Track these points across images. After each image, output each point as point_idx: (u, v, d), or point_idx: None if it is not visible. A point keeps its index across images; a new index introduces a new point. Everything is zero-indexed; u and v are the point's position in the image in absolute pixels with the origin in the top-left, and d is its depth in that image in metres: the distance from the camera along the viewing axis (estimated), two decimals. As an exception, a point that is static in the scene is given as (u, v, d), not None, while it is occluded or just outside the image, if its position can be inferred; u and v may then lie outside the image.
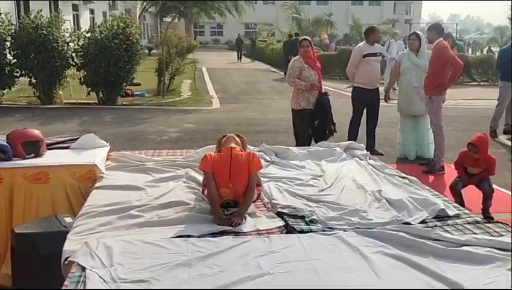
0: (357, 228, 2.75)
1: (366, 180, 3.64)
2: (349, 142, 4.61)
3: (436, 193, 3.46)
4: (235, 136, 3.38)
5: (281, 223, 2.80)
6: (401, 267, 2.28)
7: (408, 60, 6.53)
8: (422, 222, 2.89)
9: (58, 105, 11.44)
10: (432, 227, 2.79)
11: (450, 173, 5.44)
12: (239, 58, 29.35)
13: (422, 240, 2.51)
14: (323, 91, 6.06)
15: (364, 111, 6.99)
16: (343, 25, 39.90)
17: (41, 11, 11.47)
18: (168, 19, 15.55)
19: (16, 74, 11.24)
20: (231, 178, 2.95)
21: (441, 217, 2.96)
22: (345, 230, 2.71)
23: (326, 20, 31.84)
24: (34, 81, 11.25)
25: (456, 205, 3.30)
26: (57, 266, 2.39)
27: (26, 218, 3.29)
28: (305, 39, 6.16)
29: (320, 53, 18.91)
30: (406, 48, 9.51)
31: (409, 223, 2.83)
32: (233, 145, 3.18)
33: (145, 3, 14.17)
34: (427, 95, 6.11)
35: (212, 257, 2.30)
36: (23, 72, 11.16)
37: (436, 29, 6.20)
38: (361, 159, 4.20)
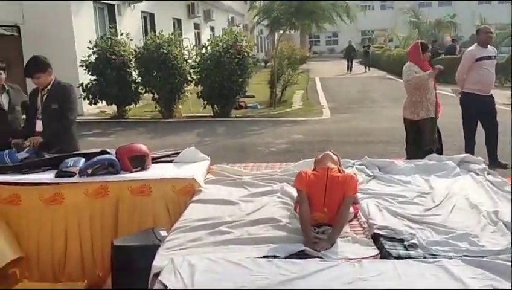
0: (464, 255, 2.41)
1: (481, 199, 3.22)
2: (464, 155, 4.15)
3: None
4: (331, 153, 3.19)
5: (375, 252, 2.54)
6: (515, 307, 1.94)
7: None
8: (548, 251, 2.45)
9: (178, 119, 12.14)
10: (560, 258, 2.35)
11: None
12: (349, 68, 26.54)
13: (545, 275, 2.12)
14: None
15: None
16: (470, 25, 37.05)
17: (162, 31, 12.30)
18: (281, 32, 15.79)
19: (140, 90, 12.20)
20: (326, 201, 2.79)
21: None
22: (450, 257, 2.38)
23: (448, 22, 29.89)
24: (156, 96, 12.10)
25: None
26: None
27: (129, 230, 3.44)
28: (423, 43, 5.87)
29: (442, 57, 17.76)
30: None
31: (529, 252, 2.42)
32: (330, 164, 2.99)
33: (257, 18, 14.51)
34: None
35: (295, 281, 2.16)
36: (147, 88, 12.07)
37: None
38: (477, 175, 3.74)
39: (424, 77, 5.50)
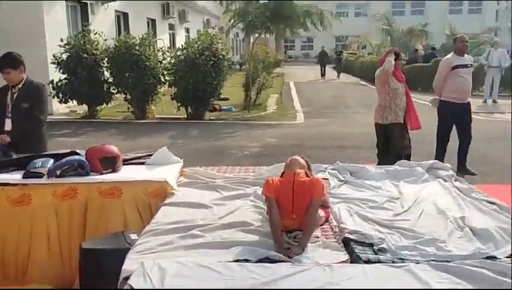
0: (432, 260, 2.46)
1: (449, 205, 3.29)
2: (433, 161, 4.24)
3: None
4: (299, 158, 3.20)
5: (345, 257, 2.56)
6: (480, 311, 1.99)
7: None
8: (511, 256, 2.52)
9: (151, 120, 12.01)
10: (523, 263, 2.42)
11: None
12: (323, 74, 25.94)
13: (510, 280, 2.17)
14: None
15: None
16: (441, 34, 37.97)
17: (127, 33, 12.15)
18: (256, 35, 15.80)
19: (112, 90, 12.03)
20: (294, 207, 2.80)
21: (536, 251, 2.57)
22: (417, 262, 2.43)
23: (420, 30, 30.53)
24: (129, 97, 11.94)
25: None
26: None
27: (98, 233, 3.38)
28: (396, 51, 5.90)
29: (414, 65, 18.12)
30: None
31: (494, 257, 2.48)
32: (297, 170, 3.00)
33: (232, 21, 14.50)
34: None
35: (266, 285, 2.16)
36: (119, 89, 11.91)
37: None
38: (445, 181, 3.83)
39: (384, 69, 5.55)
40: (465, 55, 6.49)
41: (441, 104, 6.49)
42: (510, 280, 2.17)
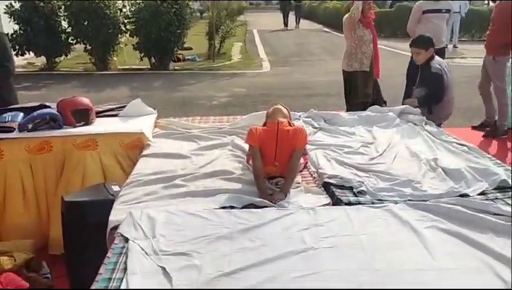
0: (409, 200, 2.59)
1: (420, 148, 3.43)
2: (404, 106, 4.34)
3: (498, 161, 3.20)
4: (282, 107, 3.22)
5: (327, 200, 2.65)
6: (456, 244, 2.12)
7: None
8: (482, 193, 2.67)
9: (113, 71, 11.68)
10: (492, 199, 2.58)
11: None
12: (285, 23, 23.53)
13: (481, 215, 2.32)
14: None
15: None
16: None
17: None
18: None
19: (71, 41, 11.53)
20: (277, 155, 2.85)
21: (503, 188, 2.72)
22: (396, 202, 2.55)
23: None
24: (89, 48, 11.50)
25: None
26: (105, 235, 2.42)
27: (78, 186, 3.35)
28: None
29: (376, 10, 18.11)
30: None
31: (466, 195, 2.63)
32: (280, 118, 3.02)
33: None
34: (491, 55, 5.68)
35: (255, 229, 2.23)
36: (78, 39, 11.43)
37: None
38: (416, 125, 3.96)
39: (351, 15, 5.45)
40: (444, 1, 6.35)
41: None
42: (482, 215, 2.32)
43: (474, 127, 6.24)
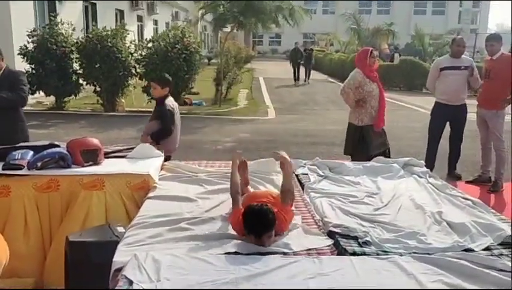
0: (414, 252, 2.58)
1: (425, 200, 3.44)
2: (408, 158, 4.38)
3: (503, 217, 3.20)
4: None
5: (329, 241, 2.68)
6: (462, 300, 2.11)
7: None
8: (487, 249, 2.67)
9: (120, 113, 11.85)
10: (497, 255, 2.57)
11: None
12: (296, 78, 20.71)
13: (486, 270, 2.31)
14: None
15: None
16: (405, 34, 38.80)
17: (104, 27, 11.93)
18: (227, 29, 15.77)
19: (81, 82, 11.78)
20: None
21: (508, 244, 2.72)
22: (401, 254, 2.55)
23: (386, 30, 31.10)
24: (98, 89, 11.73)
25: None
26: (108, 276, 2.40)
27: (83, 225, 3.36)
28: (373, 51, 5.85)
29: (381, 63, 18.53)
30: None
31: (471, 250, 2.63)
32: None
33: (200, 12, 14.42)
34: (493, 109, 5.79)
35: (260, 276, 2.23)
36: (89, 80, 11.68)
37: (498, 39, 5.88)
38: (420, 177, 3.99)
39: (349, 101, 5.66)
40: (464, 57, 6.39)
41: (435, 104, 6.52)
42: (487, 271, 2.31)
43: (468, 182, 6.23)
